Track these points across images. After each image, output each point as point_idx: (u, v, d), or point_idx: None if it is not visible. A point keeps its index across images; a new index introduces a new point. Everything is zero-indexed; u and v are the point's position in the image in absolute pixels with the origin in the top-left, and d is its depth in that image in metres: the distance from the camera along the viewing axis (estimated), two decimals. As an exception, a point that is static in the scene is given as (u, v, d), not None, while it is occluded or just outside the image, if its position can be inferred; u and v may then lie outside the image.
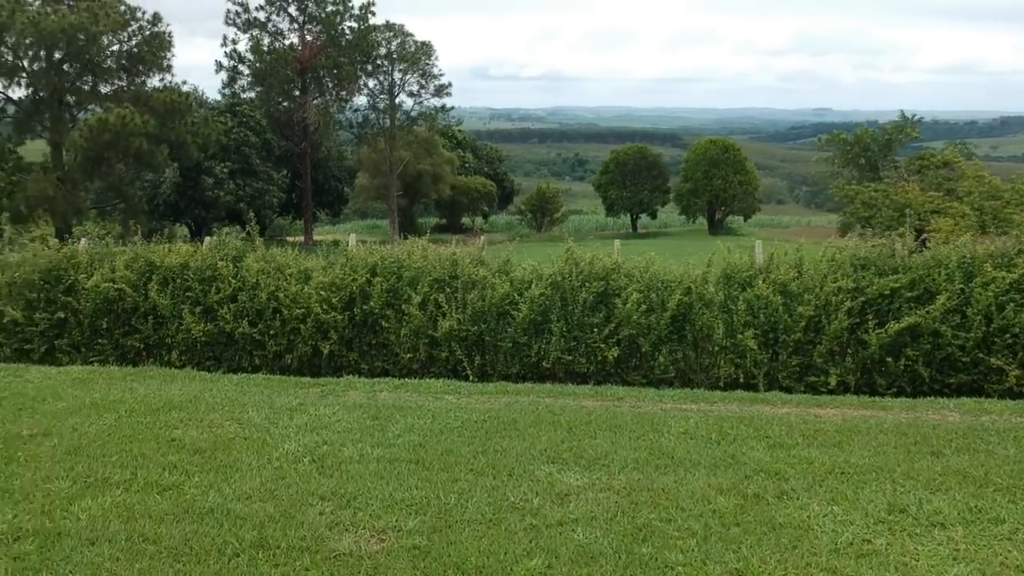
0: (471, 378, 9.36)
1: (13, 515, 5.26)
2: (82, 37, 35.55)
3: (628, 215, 63.03)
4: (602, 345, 9.32)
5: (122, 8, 38.14)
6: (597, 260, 9.82)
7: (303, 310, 9.84)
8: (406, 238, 11.88)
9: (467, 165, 65.76)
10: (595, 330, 9.37)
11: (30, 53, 36.57)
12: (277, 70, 50.37)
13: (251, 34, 50.85)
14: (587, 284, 9.48)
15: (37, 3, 36.52)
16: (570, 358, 9.39)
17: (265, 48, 50.86)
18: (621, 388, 8.80)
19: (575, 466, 6.09)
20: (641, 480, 5.81)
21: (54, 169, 37.54)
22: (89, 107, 39.04)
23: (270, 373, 9.69)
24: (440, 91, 54.85)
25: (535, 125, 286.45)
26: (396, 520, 5.16)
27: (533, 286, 9.58)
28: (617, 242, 10.99)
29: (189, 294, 10.10)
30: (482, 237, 12.71)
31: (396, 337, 9.74)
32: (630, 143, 74.04)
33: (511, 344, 9.50)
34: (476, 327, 9.55)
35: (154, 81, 40.74)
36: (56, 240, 10.84)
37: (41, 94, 37.91)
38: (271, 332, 9.92)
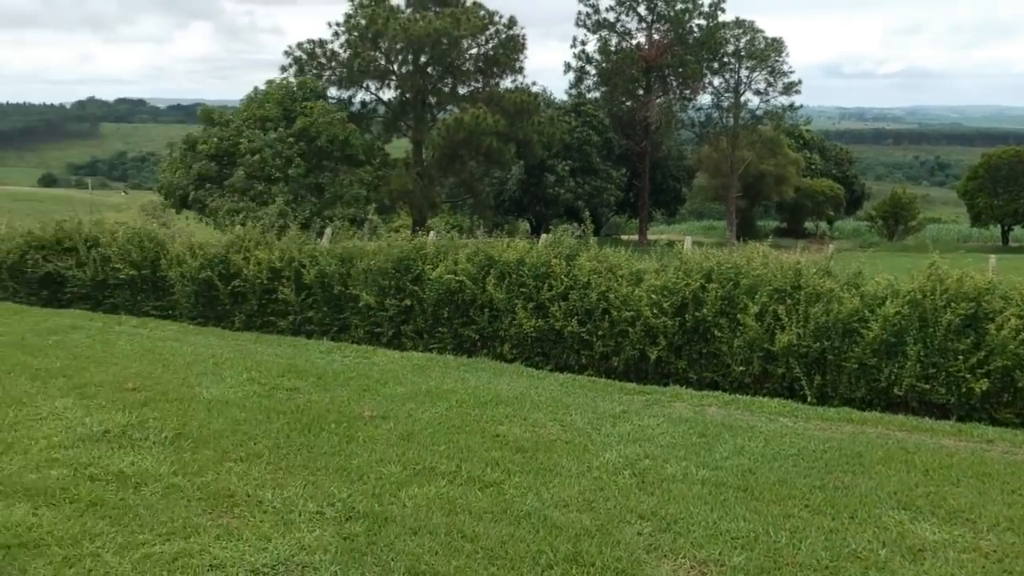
0: (809, 399, 8.58)
1: (348, 494, 5.48)
2: (445, 41, 38.29)
3: (998, 226, 56.38)
4: (967, 375, 8.12)
5: (481, 13, 40.60)
6: (967, 278, 8.60)
7: (632, 313, 9.61)
8: (746, 242, 11.25)
9: (813, 167, 62.48)
10: (960, 357, 8.19)
11: (400, 57, 40.10)
12: (623, 69, 51.05)
13: (600, 35, 51.99)
14: (953, 304, 8.32)
15: (408, 11, 39.96)
16: (927, 386, 8.29)
17: (612, 48, 51.75)
18: (990, 428, 7.58)
19: (931, 516, 5.25)
20: (1016, 545, 4.87)
21: (414, 165, 40.91)
22: (447, 107, 42.04)
23: (595, 374, 9.58)
24: (789, 89, 52.54)
25: (890, 125, 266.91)
26: (719, 552, 4.71)
27: (888, 303, 8.59)
28: (993, 258, 9.59)
29: (523, 289, 10.26)
30: (831, 245, 11.71)
31: (728, 348, 9.20)
32: (1003, 145, 66.12)
33: (857, 366, 8.58)
34: (818, 344, 8.74)
35: (506, 82, 42.97)
36: (408, 232, 11.53)
37: (407, 96, 41.45)
38: (599, 333, 9.80)
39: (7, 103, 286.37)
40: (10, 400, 7.34)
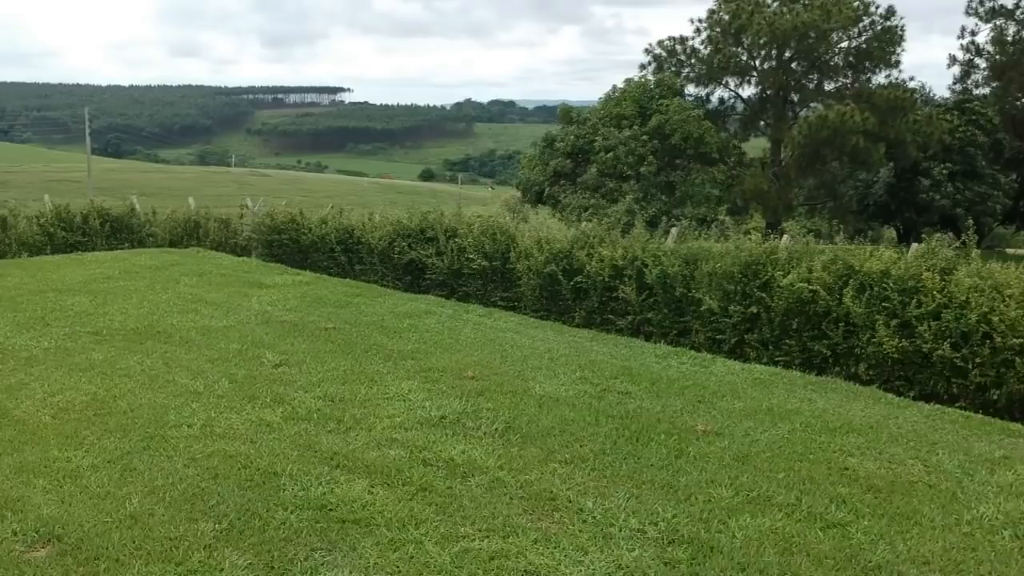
0: None
1: (672, 515, 5.10)
2: (812, 35, 36.33)
3: None
4: None
5: (855, 4, 37.96)
6: None
7: (1021, 340, 8.19)
8: None
9: None
10: None
11: (762, 53, 38.67)
12: (1021, 62, 45.26)
13: (994, 24, 46.45)
14: None
15: (774, 4, 38.38)
16: None
17: (1009, 38, 46.05)
18: None
19: None
20: None
21: (771, 165, 39.31)
22: (811, 104, 39.88)
23: (969, 407, 8.26)
24: None
25: None
26: None
27: None
28: None
29: (886, 304, 9.16)
30: None
31: None
32: None
33: None
34: None
35: (879, 78, 39.88)
36: (758, 235, 10.80)
37: (767, 92, 39.89)
38: (976, 360, 8.46)
39: (398, 104, 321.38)
40: (364, 378, 7.81)
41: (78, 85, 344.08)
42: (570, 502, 5.25)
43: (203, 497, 5.21)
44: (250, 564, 4.46)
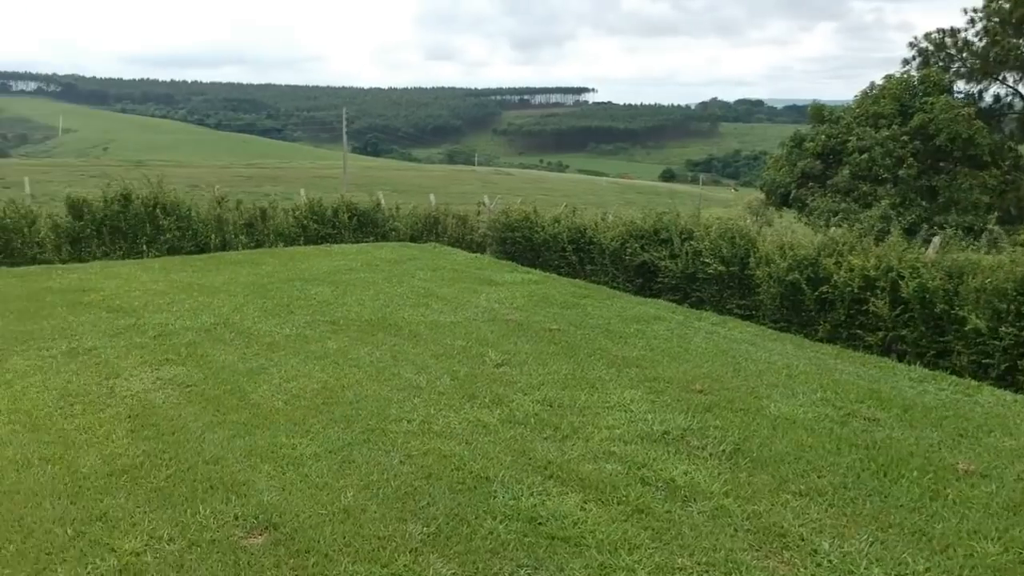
0: None
1: (924, 568, 4.49)
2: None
3: None
4: None
5: None
6: None
7: None
8: None
9: None
10: None
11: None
12: None
13: None
14: None
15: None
16: None
17: None
18: None
19: None
20: None
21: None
22: None
23: None
24: None
25: None
26: None
27: None
28: None
29: None
30: None
31: None
32: None
33: None
34: None
35: None
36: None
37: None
38: None
39: (641, 104, 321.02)
40: (585, 383, 7.53)
41: (343, 88, 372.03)
42: (803, 540, 4.72)
43: (414, 497, 5.13)
44: (454, 574, 4.29)
